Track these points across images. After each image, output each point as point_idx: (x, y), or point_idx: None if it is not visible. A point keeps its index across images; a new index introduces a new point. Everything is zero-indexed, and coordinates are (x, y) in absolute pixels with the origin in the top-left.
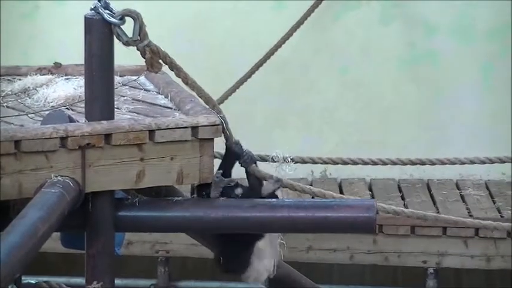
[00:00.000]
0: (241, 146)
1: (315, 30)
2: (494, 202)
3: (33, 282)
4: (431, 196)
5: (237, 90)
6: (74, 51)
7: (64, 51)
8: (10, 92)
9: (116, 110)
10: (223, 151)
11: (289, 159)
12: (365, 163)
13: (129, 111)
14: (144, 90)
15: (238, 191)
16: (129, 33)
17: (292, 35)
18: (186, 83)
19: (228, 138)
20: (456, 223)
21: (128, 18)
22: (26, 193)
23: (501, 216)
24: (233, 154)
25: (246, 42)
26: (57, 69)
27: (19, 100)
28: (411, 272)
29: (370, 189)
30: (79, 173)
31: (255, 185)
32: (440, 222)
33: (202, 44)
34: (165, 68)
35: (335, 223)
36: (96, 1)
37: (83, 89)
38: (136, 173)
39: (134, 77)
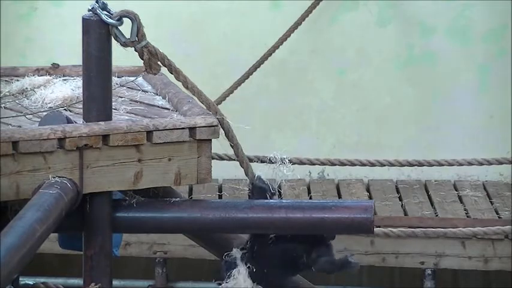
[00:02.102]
0: (263, 180)
1: (312, 31)
2: (492, 203)
3: (30, 283)
4: (429, 197)
5: (234, 91)
6: (72, 52)
7: (62, 52)
8: (8, 93)
9: (113, 111)
10: (220, 152)
11: (287, 161)
12: (363, 164)
13: (127, 112)
14: (142, 91)
15: None
16: (127, 34)
17: (289, 36)
18: (186, 87)
19: (247, 170)
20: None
21: (125, 19)
22: (23, 194)
23: (499, 217)
24: (260, 189)
25: (243, 43)
26: (55, 70)
27: (17, 101)
28: (409, 273)
29: (368, 190)
30: (77, 174)
31: None
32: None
33: (200, 45)
34: (163, 69)
35: (332, 224)
36: (94, 2)
37: (80, 90)
38: (134, 174)
39: (132, 78)
